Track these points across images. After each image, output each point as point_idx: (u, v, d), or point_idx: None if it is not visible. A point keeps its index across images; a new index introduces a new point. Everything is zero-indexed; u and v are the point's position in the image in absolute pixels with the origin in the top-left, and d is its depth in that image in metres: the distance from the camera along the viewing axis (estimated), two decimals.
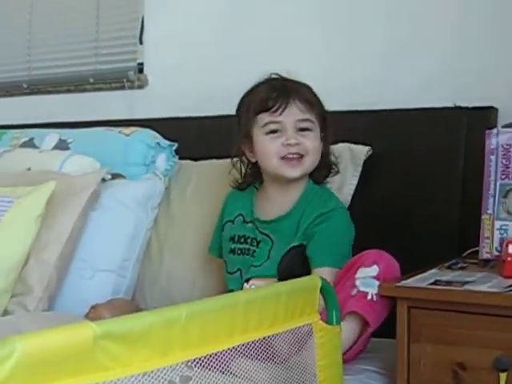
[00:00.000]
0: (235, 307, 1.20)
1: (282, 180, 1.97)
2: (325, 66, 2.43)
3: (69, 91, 3.06)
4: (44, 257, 2.16)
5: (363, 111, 2.28)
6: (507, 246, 1.62)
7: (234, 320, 1.20)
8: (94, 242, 2.27)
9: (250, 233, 2.01)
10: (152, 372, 1.07)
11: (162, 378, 1.08)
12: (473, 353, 1.52)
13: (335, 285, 1.77)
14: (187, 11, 2.78)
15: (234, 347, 1.21)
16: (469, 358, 1.52)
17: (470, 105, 2.13)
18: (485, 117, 2.09)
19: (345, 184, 2.17)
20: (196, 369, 1.15)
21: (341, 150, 2.18)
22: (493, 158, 1.75)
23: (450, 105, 2.15)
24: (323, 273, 1.81)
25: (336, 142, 2.15)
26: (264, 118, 1.94)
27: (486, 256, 1.77)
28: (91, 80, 3.01)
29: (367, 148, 2.19)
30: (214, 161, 2.43)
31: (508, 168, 1.74)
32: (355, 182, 2.18)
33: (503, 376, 1.47)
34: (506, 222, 1.74)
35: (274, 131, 1.94)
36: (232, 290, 1.99)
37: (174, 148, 2.46)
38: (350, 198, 2.16)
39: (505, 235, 1.74)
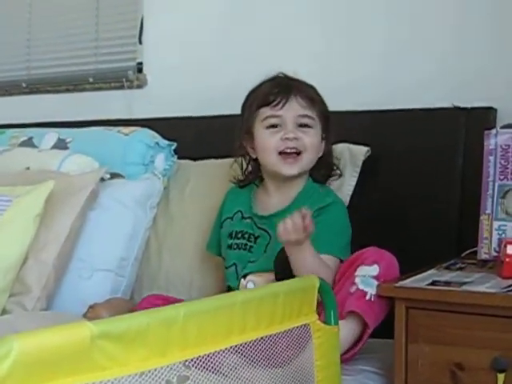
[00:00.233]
0: (233, 307, 1.20)
1: (280, 177, 1.98)
2: (324, 66, 2.43)
3: (68, 91, 3.06)
4: (42, 256, 2.15)
5: (362, 111, 2.28)
6: (505, 246, 1.62)
7: (232, 320, 1.20)
8: (93, 242, 2.27)
9: (248, 228, 2.02)
10: (149, 372, 1.07)
11: (160, 377, 1.08)
12: (471, 353, 1.52)
13: (335, 281, 1.78)
14: (187, 11, 2.78)
15: (231, 347, 1.21)
16: (467, 358, 1.52)
17: (469, 105, 2.13)
18: (484, 117, 2.09)
19: (344, 184, 2.16)
20: (193, 369, 1.15)
21: (340, 150, 2.18)
22: (491, 158, 1.75)
23: (449, 105, 2.15)
24: (326, 259, 1.83)
25: (335, 142, 2.15)
26: (265, 112, 1.96)
27: (484, 256, 1.77)
28: (90, 79, 3.01)
29: (366, 148, 2.19)
30: (212, 160, 2.43)
31: (507, 169, 1.74)
32: (354, 182, 2.18)
33: (501, 376, 1.47)
34: (505, 223, 1.74)
35: (274, 125, 1.95)
36: (229, 286, 2.00)
37: (173, 148, 2.46)
38: (348, 199, 2.15)
39: (503, 236, 1.74)
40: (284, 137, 1.93)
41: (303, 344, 1.38)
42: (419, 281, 1.62)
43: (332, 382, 1.44)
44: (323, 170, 2.03)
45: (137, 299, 2.30)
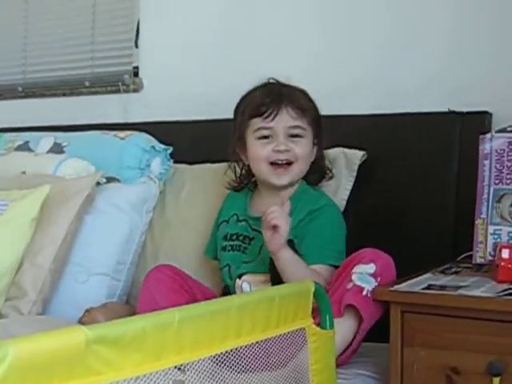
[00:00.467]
0: (228, 311, 1.20)
1: (272, 185, 1.99)
2: (319, 70, 2.43)
3: (64, 95, 3.06)
4: (38, 260, 2.15)
5: (358, 115, 2.28)
6: (500, 250, 1.62)
7: (227, 324, 1.20)
8: (89, 246, 2.27)
9: (243, 231, 2.03)
10: (145, 376, 1.07)
11: (155, 382, 1.08)
12: (466, 357, 1.52)
13: (332, 282, 1.78)
14: (183, 15, 2.78)
15: (227, 351, 1.21)
16: (462, 362, 1.52)
17: (465, 110, 2.14)
18: (479, 122, 2.09)
19: (340, 188, 2.17)
20: (189, 373, 1.15)
21: (335, 154, 2.18)
22: (486, 162, 1.76)
23: (445, 109, 2.15)
24: (318, 269, 1.85)
25: (331, 147, 2.15)
26: (256, 123, 1.98)
27: (479, 261, 1.77)
28: (86, 83, 3.01)
29: (362, 152, 2.19)
30: (208, 165, 2.43)
31: (502, 173, 1.74)
32: (350, 186, 2.18)
33: (496, 381, 1.47)
34: (500, 227, 1.74)
35: (265, 137, 1.97)
36: (226, 286, 2.00)
37: (169, 152, 2.47)
38: (344, 203, 2.16)
39: (498, 240, 1.74)
40: (275, 149, 1.95)
41: (298, 348, 1.38)
42: (415, 285, 1.62)
43: None
44: (316, 173, 2.05)
45: (133, 303, 2.30)
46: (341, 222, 2.00)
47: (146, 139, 2.46)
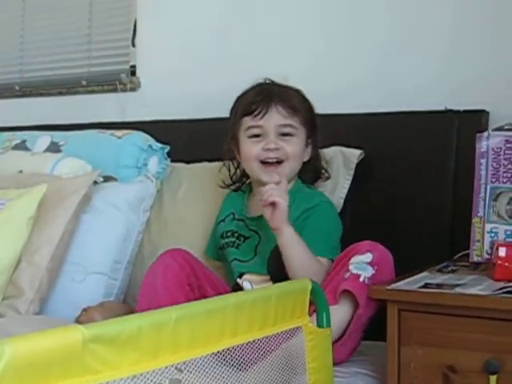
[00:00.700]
0: (225, 310, 1.20)
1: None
2: (318, 70, 2.44)
3: (61, 94, 3.06)
4: (35, 259, 2.15)
5: (355, 114, 2.28)
6: (497, 248, 1.62)
7: (224, 323, 1.20)
8: (86, 245, 2.27)
9: (239, 229, 2.05)
10: (141, 375, 1.07)
11: (152, 381, 1.08)
12: (463, 356, 1.52)
13: (329, 273, 1.80)
14: (180, 14, 2.78)
15: (223, 350, 1.21)
16: (459, 360, 1.52)
17: (462, 108, 2.14)
18: (476, 120, 2.10)
19: (337, 187, 2.17)
20: (185, 372, 1.15)
21: (333, 153, 2.18)
22: (483, 161, 1.76)
23: (442, 108, 2.16)
24: (321, 260, 1.87)
25: (328, 146, 2.15)
26: (247, 121, 1.99)
27: (476, 259, 1.77)
28: (83, 82, 3.01)
29: (359, 151, 2.20)
30: (206, 163, 2.43)
31: (498, 171, 1.74)
32: (348, 185, 2.18)
33: (493, 379, 1.47)
34: (497, 225, 1.74)
35: (256, 135, 1.98)
36: (237, 283, 2.01)
37: (166, 151, 2.47)
38: (342, 201, 2.16)
39: (495, 238, 1.74)
40: (265, 147, 1.96)
41: (295, 347, 1.38)
42: (412, 283, 1.62)
43: None
44: (310, 173, 2.06)
45: (130, 302, 2.30)
46: (335, 218, 2.01)
47: (143, 138, 2.46)
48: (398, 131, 2.21)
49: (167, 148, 2.47)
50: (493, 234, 1.75)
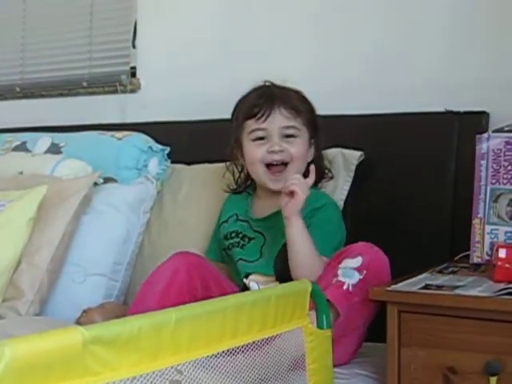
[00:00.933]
0: (225, 311, 1.20)
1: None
2: (317, 71, 2.44)
3: (61, 95, 3.06)
4: (36, 261, 2.15)
5: (355, 115, 2.28)
6: (498, 250, 1.62)
7: (224, 324, 1.20)
8: (86, 246, 2.27)
9: (243, 229, 2.05)
10: (141, 376, 1.06)
11: (152, 382, 1.08)
12: (463, 357, 1.52)
13: (320, 275, 1.80)
14: (180, 16, 2.78)
15: (223, 351, 1.21)
16: (459, 362, 1.52)
17: (462, 109, 2.14)
18: (476, 121, 2.10)
19: (337, 188, 2.17)
20: (186, 373, 1.15)
21: (333, 154, 2.18)
22: (483, 162, 1.76)
23: (442, 109, 2.16)
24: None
25: (328, 147, 2.15)
26: (250, 125, 1.99)
27: (476, 260, 1.77)
28: (84, 84, 3.01)
29: (359, 153, 2.20)
30: (206, 165, 2.43)
31: (498, 173, 1.74)
32: (348, 186, 2.18)
33: (493, 380, 1.47)
34: (497, 227, 1.74)
35: (260, 138, 1.98)
36: (242, 283, 2.01)
37: (167, 152, 2.47)
38: (342, 203, 2.16)
39: (495, 239, 1.74)
40: (270, 150, 1.96)
41: (295, 348, 1.38)
42: (412, 285, 1.62)
43: None
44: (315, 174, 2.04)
45: (130, 304, 2.30)
46: (340, 221, 2.01)
47: (143, 139, 2.46)
48: (398, 133, 2.21)
49: (167, 149, 2.47)
50: (493, 236, 1.75)
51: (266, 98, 1.98)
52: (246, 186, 2.13)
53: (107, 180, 2.41)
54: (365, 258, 1.72)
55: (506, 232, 1.74)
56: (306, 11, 2.52)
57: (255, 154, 1.98)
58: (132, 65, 2.91)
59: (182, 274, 1.81)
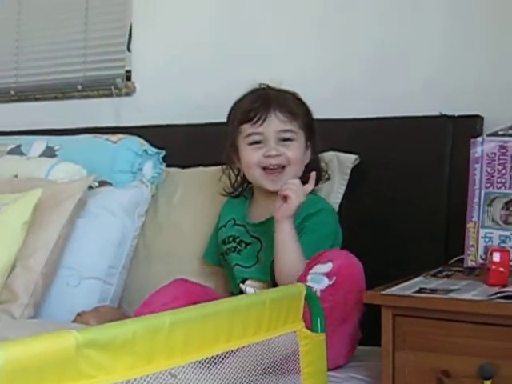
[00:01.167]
0: (219, 315, 1.20)
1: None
2: (312, 75, 2.44)
3: (56, 98, 3.06)
4: (30, 264, 2.15)
5: (350, 119, 2.28)
6: (492, 254, 1.62)
7: (218, 328, 1.20)
8: (81, 250, 2.27)
9: (240, 234, 2.05)
10: (135, 380, 1.07)
11: None
12: (457, 361, 1.52)
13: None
14: (175, 20, 2.78)
15: (218, 355, 1.21)
16: (453, 365, 1.52)
17: (456, 113, 2.14)
18: (470, 125, 2.10)
19: (332, 192, 2.17)
20: (180, 377, 1.15)
21: (328, 158, 2.18)
22: (477, 166, 1.76)
23: (436, 113, 2.16)
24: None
25: (324, 151, 2.15)
26: (246, 129, 1.98)
27: (470, 264, 1.78)
28: (79, 87, 3.01)
29: (354, 156, 2.20)
30: (201, 168, 2.43)
31: (493, 177, 1.75)
32: (343, 190, 2.18)
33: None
34: (491, 230, 1.75)
35: (256, 142, 1.97)
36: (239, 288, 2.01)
37: (162, 155, 2.47)
38: (337, 206, 2.16)
39: (489, 243, 1.74)
40: (266, 154, 1.95)
41: (290, 351, 1.38)
42: (406, 288, 1.62)
43: None
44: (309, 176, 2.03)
45: (125, 307, 2.30)
46: (333, 227, 1.99)
47: (138, 143, 2.45)
48: (392, 136, 2.22)
49: (162, 153, 2.47)
50: (487, 239, 1.75)
51: (262, 101, 1.97)
52: (242, 190, 2.12)
53: (102, 183, 2.40)
54: (335, 264, 1.70)
55: (500, 236, 1.74)
56: (303, 15, 2.52)
57: (252, 158, 1.97)
58: (127, 68, 2.91)
59: (181, 301, 1.77)
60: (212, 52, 2.69)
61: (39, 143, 2.61)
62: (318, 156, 2.08)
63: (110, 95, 2.91)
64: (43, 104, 3.09)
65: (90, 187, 2.34)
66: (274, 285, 1.92)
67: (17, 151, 2.62)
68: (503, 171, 1.74)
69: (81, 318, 2.07)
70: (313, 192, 2.03)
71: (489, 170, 1.75)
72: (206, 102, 2.59)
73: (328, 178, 2.10)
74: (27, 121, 2.94)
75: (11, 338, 0.96)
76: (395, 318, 1.58)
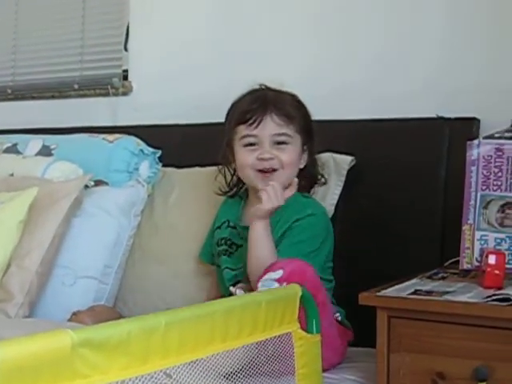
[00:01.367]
0: (214, 316, 1.20)
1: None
2: (311, 75, 2.44)
3: (53, 97, 3.06)
4: (25, 263, 2.15)
5: (347, 121, 2.28)
6: (487, 256, 1.63)
7: (214, 328, 1.20)
8: (76, 249, 2.26)
9: (232, 236, 2.04)
10: (130, 380, 1.07)
11: None
12: (452, 363, 1.52)
13: None
14: (173, 19, 2.78)
15: (213, 355, 1.21)
16: (448, 367, 1.52)
17: (453, 115, 2.14)
18: (467, 128, 2.10)
19: (328, 193, 2.17)
20: (175, 377, 1.15)
21: (324, 159, 2.18)
22: (474, 168, 1.76)
23: (433, 115, 2.16)
24: None
25: (320, 152, 2.15)
26: (242, 130, 1.97)
27: (466, 266, 1.78)
28: (75, 86, 3.01)
29: (351, 158, 2.20)
30: (197, 168, 2.43)
31: (489, 179, 1.75)
32: (339, 191, 2.18)
33: None
34: (487, 233, 1.75)
35: (251, 144, 1.96)
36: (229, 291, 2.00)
37: (158, 155, 2.46)
38: (333, 208, 2.16)
39: (485, 246, 1.75)
40: (259, 157, 1.95)
41: (285, 352, 1.38)
42: (401, 290, 1.62)
43: None
44: (306, 180, 2.03)
45: (120, 307, 2.30)
46: (321, 231, 1.96)
47: (134, 142, 2.45)
48: (389, 138, 2.22)
49: (159, 152, 2.46)
50: (483, 242, 1.76)
51: (259, 103, 1.96)
52: (238, 189, 2.12)
53: (98, 183, 2.40)
54: (286, 270, 1.68)
55: (496, 238, 1.75)
56: (302, 16, 2.52)
57: (246, 159, 1.97)
58: (124, 68, 2.90)
59: None
60: (210, 52, 2.69)
61: (35, 142, 2.61)
62: (316, 159, 2.07)
63: (106, 94, 2.91)
64: (40, 103, 3.09)
65: (86, 186, 2.34)
66: None
67: (13, 150, 2.62)
68: (499, 174, 1.74)
69: (76, 318, 2.07)
70: (308, 195, 2.04)
71: (485, 172, 1.75)
72: (203, 102, 2.59)
73: (324, 183, 2.09)
74: (23, 119, 2.94)
75: (6, 337, 0.96)
76: (390, 319, 1.58)
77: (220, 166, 2.13)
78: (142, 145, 2.45)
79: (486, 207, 1.75)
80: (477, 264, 1.75)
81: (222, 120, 2.06)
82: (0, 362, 0.90)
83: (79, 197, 2.28)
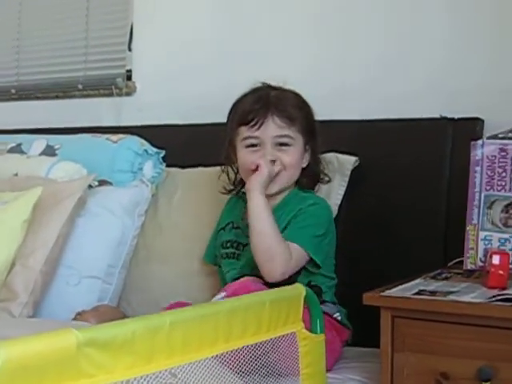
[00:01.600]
0: (219, 315, 1.20)
1: None
2: (312, 75, 2.44)
3: (57, 97, 3.06)
4: (30, 262, 2.15)
5: (351, 121, 2.28)
6: (491, 256, 1.63)
7: (218, 328, 1.20)
8: (80, 249, 2.27)
9: (237, 237, 2.04)
10: (135, 379, 1.07)
11: None
12: (456, 363, 1.52)
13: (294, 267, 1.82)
14: (176, 19, 2.78)
15: (217, 355, 1.21)
16: (452, 367, 1.52)
17: (456, 116, 2.14)
18: (471, 128, 2.10)
19: (332, 193, 2.17)
20: (180, 376, 1.15)
21: (328, 159, 2.18)
22: (478, 169, 1.76)
23: (437, 116, 2.16)
24: (291, 247, 1.85)
25: (323, 152, 2.15)
26: (244, 131, 1.97)
27: (470, 266, 1.78)
28: (79, 86, 3.01)
29: (354, 158, 2.20)
30: (201, 168, 2.43)
31: (493, 179, 1.75)
32: (342, 191, 2.18)
33: None
34: (491, 233, 1.75)
35: (253, 145, 1.96)
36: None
37: (162, 155, 2.47)
38: (337, 208, 2.16)
39: (489, 246, 1.75)
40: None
41: (289, 352, 1.39)
42: (405, 290, 1.62)
43: None
44: (309, 178, 2.03)
45: (124, 307, 2.30)
46: (325, 219, 1.97)
47: (138, 142, 2.46)
48: (392, 138, 2.22)
49: (162, 152, 2.47)
50: (487, 242, 1.76)
51: (262, 104, 1.94)
52: (241, 187, 2.11)
53: (102, 183, 2.41)
54: (228, 292, 1.69)
55: (500, 238, 1.75)
56: (304, 15, 2.52)
57: (248, 160, 1.96)
58: (128, 68, 2.91)
59: None
60: (213, 52, 2.69)
61: (39, 142, 2.61)
62: (319, 158, 2.06)
63: (110, 95, 2.91)
64: (44, 103, 3.09)
65: (90, 186, 2.34)
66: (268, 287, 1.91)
67: (17, 150, 2.62)
68: (503, 174, 1.74)
69: (80, 317, 2.07)
70: (309, 191, 2.03)
71: (489, 172, 1.75)
72: (207, 102, 2.59)
73: (328, 181, 2.09)
74: (28, 119, 2.94)
75: (11, 336, 0.96)
76: (394, 319, 1.58)
77: (223, 166, 2.13)
78: (146, 145, 2.46)
79: (490, 207, 1.75)
80: (481, 264, 1.75)
81: (226, 120, 2.06)
82: (5, 362, 0.90)
83: (83, 197, 2.28)
